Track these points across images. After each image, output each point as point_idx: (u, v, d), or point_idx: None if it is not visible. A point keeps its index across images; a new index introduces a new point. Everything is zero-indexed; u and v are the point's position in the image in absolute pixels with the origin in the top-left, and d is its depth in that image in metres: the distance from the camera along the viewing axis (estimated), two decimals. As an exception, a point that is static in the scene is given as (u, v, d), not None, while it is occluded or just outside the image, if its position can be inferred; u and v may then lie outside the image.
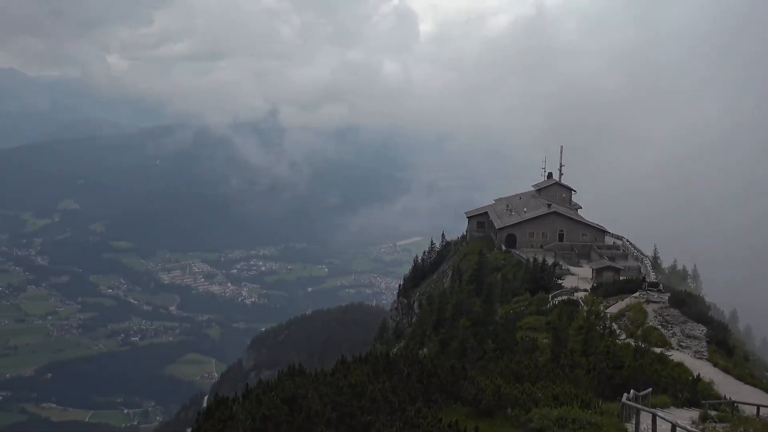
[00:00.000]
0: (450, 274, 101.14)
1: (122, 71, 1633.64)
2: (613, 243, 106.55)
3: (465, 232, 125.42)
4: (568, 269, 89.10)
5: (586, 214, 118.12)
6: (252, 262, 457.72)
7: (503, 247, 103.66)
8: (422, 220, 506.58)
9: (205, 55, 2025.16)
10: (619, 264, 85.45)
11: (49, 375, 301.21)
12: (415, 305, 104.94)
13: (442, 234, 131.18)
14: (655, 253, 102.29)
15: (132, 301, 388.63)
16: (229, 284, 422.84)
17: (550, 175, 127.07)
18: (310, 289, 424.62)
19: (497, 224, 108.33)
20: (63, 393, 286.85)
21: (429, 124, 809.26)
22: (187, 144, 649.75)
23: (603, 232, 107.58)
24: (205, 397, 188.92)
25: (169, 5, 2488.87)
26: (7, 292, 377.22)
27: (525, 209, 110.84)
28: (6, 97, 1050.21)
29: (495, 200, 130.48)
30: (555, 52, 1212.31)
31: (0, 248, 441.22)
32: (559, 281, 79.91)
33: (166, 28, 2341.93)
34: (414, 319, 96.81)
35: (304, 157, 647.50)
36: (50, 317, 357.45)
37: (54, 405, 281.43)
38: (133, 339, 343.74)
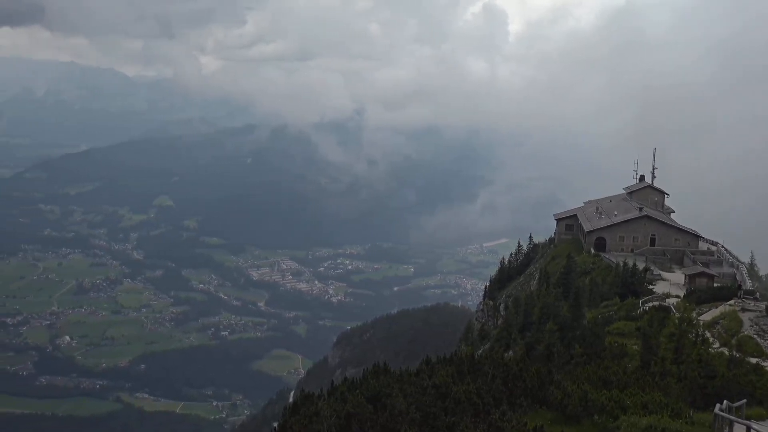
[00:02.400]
0: (537, 276, 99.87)
1: (213, 71, 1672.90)
2: (708, 249, 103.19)
3: (553, 235, 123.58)
4: (659, 274, 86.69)
5: (680, 218, 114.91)
6: (339, 261, 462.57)
7: (592, 251, 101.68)
8: (501, 219, 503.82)
9: (296, 55, 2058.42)
10: (714, 270, 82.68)
11: (143, 366, 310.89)
12: (501, 307, 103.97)
13: (530, 236, 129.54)
14: (752, 260, 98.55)
15: (222, 296, 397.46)
16: (316, 282, 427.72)
17: (642, 178, 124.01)
18: (395, 289, 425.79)
19: (586, 227, 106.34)
20: (155, 384, 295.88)
21: (512, 122, 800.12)
22: (274, 143, 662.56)
23: (697, 237, 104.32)
24: (291, 393, 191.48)
25: (263, 7, 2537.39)
26: (104, 285, 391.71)
27: (615, 212, 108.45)
28: (106, 96, 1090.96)
29: (584, 203, 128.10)
30: (643, 45, 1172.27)
31: (99, 242, 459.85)
32: (650, 286, 77.83)
33: (259, 29, 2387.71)
34: (500, 322, 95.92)
35: (385, 156, 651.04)
36: (144, 310, 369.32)
37: (147, 395, 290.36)
38: (222, 333, 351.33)
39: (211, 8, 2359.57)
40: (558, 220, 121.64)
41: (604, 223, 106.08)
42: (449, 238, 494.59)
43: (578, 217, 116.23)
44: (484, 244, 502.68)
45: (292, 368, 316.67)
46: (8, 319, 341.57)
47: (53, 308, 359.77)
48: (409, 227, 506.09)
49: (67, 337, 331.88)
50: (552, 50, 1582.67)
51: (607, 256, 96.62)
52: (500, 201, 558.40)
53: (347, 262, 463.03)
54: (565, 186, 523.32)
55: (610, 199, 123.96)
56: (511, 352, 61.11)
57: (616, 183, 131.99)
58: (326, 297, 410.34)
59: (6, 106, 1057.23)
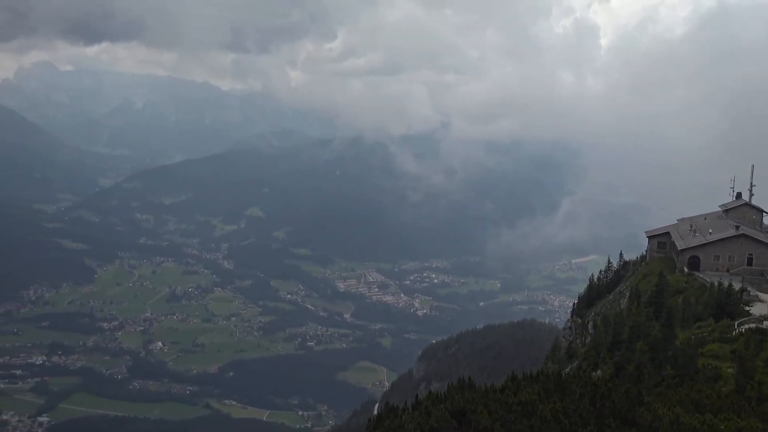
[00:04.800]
0: (627, 294, 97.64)
1: (302, 84, 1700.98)
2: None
3: (644, 252, 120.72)
4: (756, 296, 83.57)
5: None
6: (425, 274, 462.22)
7: (685, 270, 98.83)
8: (582, 230, 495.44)
9: (385, 69, 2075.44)
10: (815, 293, 79.36)
11: (231, 373, 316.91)
12: (590, 325, 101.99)
13: (620, 253, 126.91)
14: None
15: (309, 306, 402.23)
16: (402, 295, 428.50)
17: (739, 195, 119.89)
18: (481, 304, 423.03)
19: (679, 245, 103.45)
20: (243, 391, 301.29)
21: (599, 135, 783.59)
22: (361, 155, 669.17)
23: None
24: (376, 405, 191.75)
25: (354, 22, 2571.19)
26: (196, 292, 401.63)
27: (710, 230, 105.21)
28: (201, 109, 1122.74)
29: (678, 220, 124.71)
30: (738, 51, 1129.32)
31: (191, 251, 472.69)
32: (747, 308, 75.19)
33: (349, 44, 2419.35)
34: (588, 340, 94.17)
35: (466, 168, 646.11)
36: (234, 318, 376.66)
37: (234, 402, 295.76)
38: (309, 343, 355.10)
39: (304, 24, 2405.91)
40: (650, 238, 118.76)
41: (698, 241, 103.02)
42: (530, 251, 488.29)
43: (671, 234, 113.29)
44: (573, 261, 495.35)
45: (376, 380, 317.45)
46: (105, 324, 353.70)
47: (147, 314, 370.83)
48: (489, 239, 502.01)
49: (160, 343, 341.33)
50: (641, 60, 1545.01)
51: (701, 276, 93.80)
52: (581, 212, 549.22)
53: (433, 275, 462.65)
54: (649, 198, 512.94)
55: (705, 216, 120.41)
56: (599, 372, 59.93)
57: (708, 198, 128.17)
58: (412, 310, 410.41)
59: (107, 119, 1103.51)
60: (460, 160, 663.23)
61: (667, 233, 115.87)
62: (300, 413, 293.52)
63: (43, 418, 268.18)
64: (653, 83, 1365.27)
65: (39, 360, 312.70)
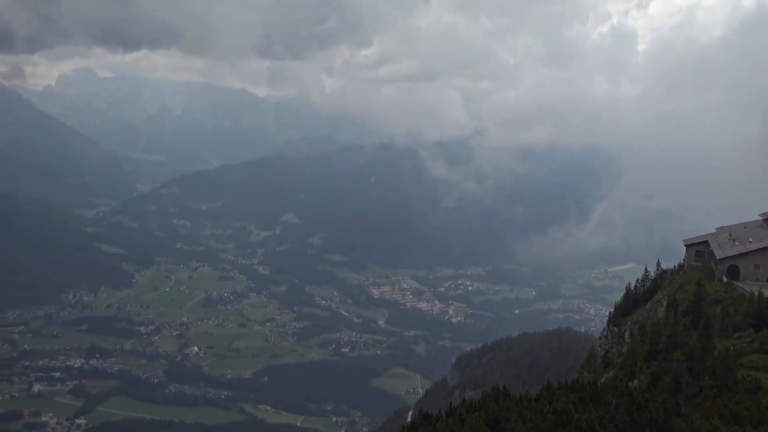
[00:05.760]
0: (665, 304, 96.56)
1: (336, 91, 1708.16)
2: None
3: (682, 261, 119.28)
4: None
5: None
6: (460, 281, 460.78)
7: (724, 279, 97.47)
8: (615, 237, 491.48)
9: (420, 75, 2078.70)
10: None
11: (266, 378, 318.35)
12: (626, 334, 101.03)
13: (657, 262, 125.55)
14: None
15: (344, 312, 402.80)
16: (437, 302, 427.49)
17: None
18: (516, 311, 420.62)
19: (718, 254, 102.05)
20: (278, 396, 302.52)
21: (633, 142, 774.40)
22: (395, 161, 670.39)
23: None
24: (410, 412, 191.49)
25: (389, 28, 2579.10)
26: (231, 298, 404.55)
27: (750, 239, 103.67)
28: (237, 116, 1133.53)
29: (716, 228, 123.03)
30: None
31: (228, 257, 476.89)
32: (788, 318, 74.01)
33: (384, 51, 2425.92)
34: (624, 349, 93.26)
35: (502, 175, 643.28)
36: (269, 324, 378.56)
37: (269, 407, 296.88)
38: (343, 350, 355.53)
39: (340, 30, 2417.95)
40: (688, 246, 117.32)
41: (737, 250, 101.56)
42: (562, 257, 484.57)
43: (710, 243, 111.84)
44: (609, 269, 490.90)
45: (410, 387, 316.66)
46: (142, 328, 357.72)
47: (183, 319, 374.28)
48: (521, 246, 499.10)
49: (196, 347, 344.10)
50: (678, 64, 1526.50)
51: (741, 285, 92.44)
52: (615, 218, 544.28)
53: (468, 283, 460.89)
54: (685, 204, 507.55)
55: (745, 225, 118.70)
56: (635, 381, 59.35)
57: (745, 204, 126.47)
58: (446, 317, 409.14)
59: (146, 125, 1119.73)
60: (493, 167, 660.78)
61: (706, 242, 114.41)
62: (334, 419, 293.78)
63: (81, 421, 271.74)
64: (690, 87, 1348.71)
65: (77, 363, 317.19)
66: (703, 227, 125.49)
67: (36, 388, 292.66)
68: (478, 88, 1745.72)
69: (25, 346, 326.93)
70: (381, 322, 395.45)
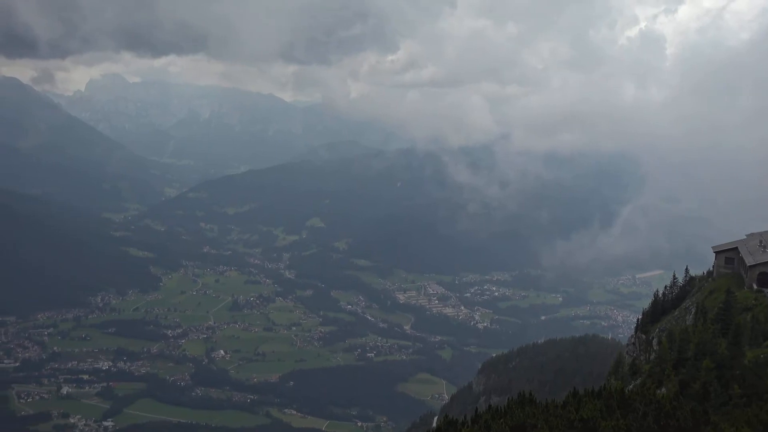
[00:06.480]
0: (693, 311, 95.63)
1: (361, 96, 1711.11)
2: None
3: (711, 268, 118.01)
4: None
5: None
6: (485, 287, 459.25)
7: (754, 286, 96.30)
8: (640, 242, 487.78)
9: (446, 81, 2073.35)
10: None
11: (292, 383, 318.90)
12: (654, 341, 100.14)
13: (686, 268, 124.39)
14: None
15: (369, 317, 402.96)
16: (463, 307, 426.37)
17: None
18: (543, 318, 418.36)
19: (748, 261, 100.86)
20: (303, 400, 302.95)
21: (660, 146, 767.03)
22: (419, 166, 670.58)
23: None
24: (435, 418, 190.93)
25: (416, 33, 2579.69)
26: (258, 302, 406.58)
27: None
28: (265, 121, 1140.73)
29: (746, 235, 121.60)
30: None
31: (254, 261, 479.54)
32: (819, 327, 72.97)
33: (411, 55, 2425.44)
34: (652, 356, 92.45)
35: (526, 180, 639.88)
36: (294, 328, 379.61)
37: (294, 412, 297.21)
38: (368, 354, 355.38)
39: (366, 36, 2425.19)
40: (717, 253, 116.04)
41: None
42: (586, 262, 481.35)
43: (739, 250, 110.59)
44: (637, 276, 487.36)
45: (435, 393, 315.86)
46: (169, 332, 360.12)
47: (210, 322, 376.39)
48: (545, 251, 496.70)
49: (222, 351, 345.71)
50: (707, 68, 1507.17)
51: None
52: (640, 223, 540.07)
53: (494, 288, 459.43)
54: (712, 209, 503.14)
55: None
56: (663, 389, 58.81)
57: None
58: (472, 323, 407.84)
59: (174, 129, 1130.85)
60: (517, 172, 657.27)
61: (735, 249, 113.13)
62: (359, 424, 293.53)
63: (108, 423, 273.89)
64: (718, 91, 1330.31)
65: (105, 365, 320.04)
66: (730, 233, 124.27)
67: (65, 390, 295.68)
68: (504, 93, 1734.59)
69: (55, 348, 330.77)
70: (406, 327, 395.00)
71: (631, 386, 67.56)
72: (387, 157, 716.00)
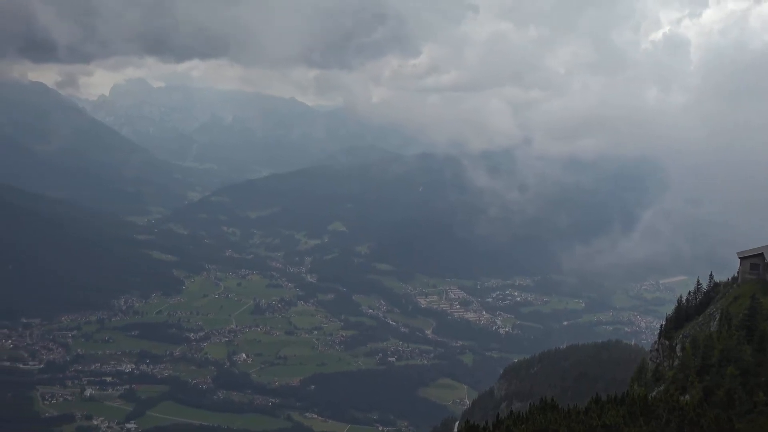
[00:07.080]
0: (717, 317, 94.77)
1: (382, 100, 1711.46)
2: None
3: (735, 274, 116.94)
4: None
5: None
6: (507, 292, 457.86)
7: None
8: (661, 246, 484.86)
9: (469, 85, 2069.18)
10: None
11: (313, 386, 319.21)
12: (678, 348, 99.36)
13: (710, 274, 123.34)
14: None
15: (390, 322, 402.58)
16: (484, 312, 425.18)
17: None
18: (565, 323, 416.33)
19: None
20: (324, 404, 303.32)
21: (683, 150, 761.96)
22: (437, 171, 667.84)
23: None
24: (456, 423, 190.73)
25: (438, 38, 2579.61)
26: (279, 305, 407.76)
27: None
28: (287, 125, 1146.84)
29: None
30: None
31: (276, 265, 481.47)
32: None
33: (433, 60, 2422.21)
34: (676, 363, 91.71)
35: (546, 185, 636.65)
36: (316, 332, 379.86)
37: (316, 416, 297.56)
38: (390, 359, 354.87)
39: (388, 40, 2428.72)
40: (742, 259, 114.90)
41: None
42: (606, 267, 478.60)
43: (765, 256, 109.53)
44: (661, 281, 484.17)
45: (457, 397, 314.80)
46: (192, 335, 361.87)
47: (232, 326, 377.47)
48: (565, 256, 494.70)
49: (244, 354, 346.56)
50: (731, 71, 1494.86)
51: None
52: (662, 227, 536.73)
53: (516, 293, 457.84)
54: (735, 214, 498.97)
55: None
56: (687, 396, 58.37)
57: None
58: (494, 328, 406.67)
59: (197, 134, 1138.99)
60: (537, 176, 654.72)
61: (761, 254, 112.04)
62: (380, 428, 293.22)
63: (131, 425, 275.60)
64: (743, 94, 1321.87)
65: (128, 368, 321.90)
66: (752, 236, 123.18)
67: (88, 392, 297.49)
68: (526, 97, 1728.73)
69: (78, 350, 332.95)
70: (428, 331, 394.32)
71: (654, 393, 67.13)
72: (407, 161, 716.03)
